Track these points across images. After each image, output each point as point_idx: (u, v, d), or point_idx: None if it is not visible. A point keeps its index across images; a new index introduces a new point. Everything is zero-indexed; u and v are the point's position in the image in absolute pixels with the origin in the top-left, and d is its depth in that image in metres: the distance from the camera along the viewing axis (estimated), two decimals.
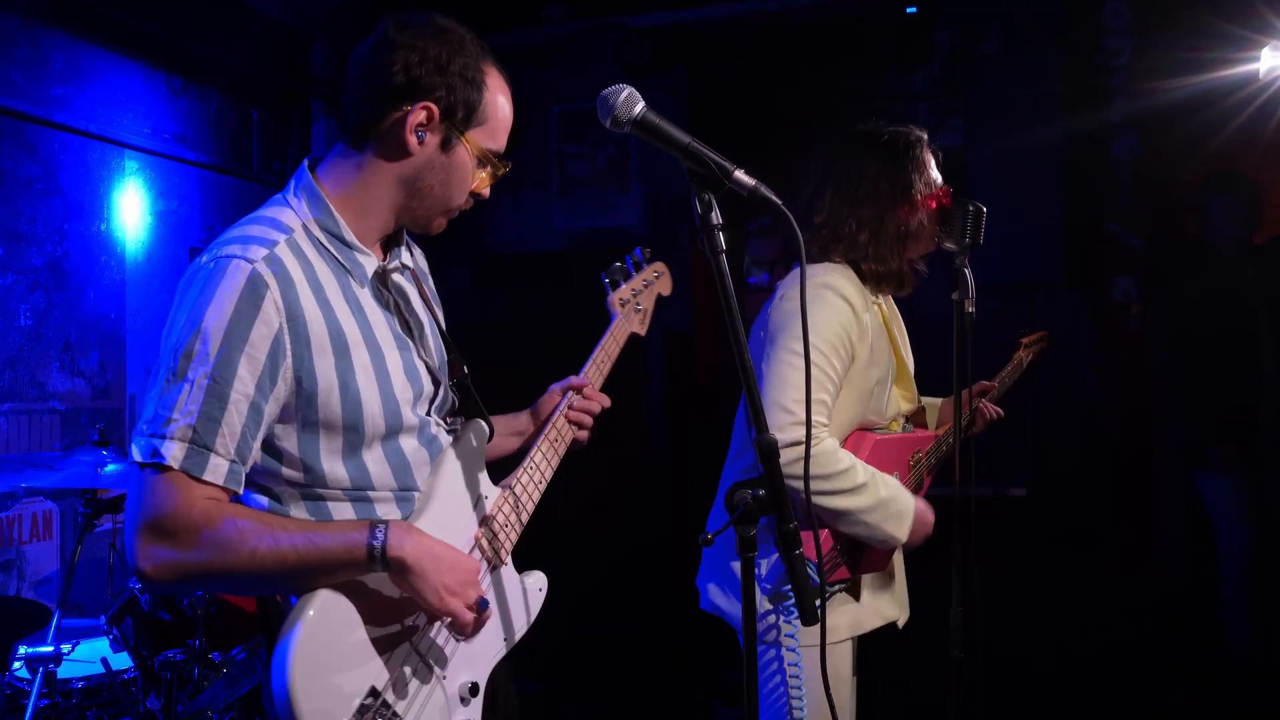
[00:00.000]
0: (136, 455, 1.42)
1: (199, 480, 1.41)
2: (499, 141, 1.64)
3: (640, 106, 1.39)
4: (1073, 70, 4.55)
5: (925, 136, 2.37)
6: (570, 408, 1.89)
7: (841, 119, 5.15)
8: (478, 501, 1.69)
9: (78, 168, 4.03)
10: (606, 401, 1.94)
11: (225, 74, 4.72)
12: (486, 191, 1.66)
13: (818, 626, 2.13)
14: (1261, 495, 4.08)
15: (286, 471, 1.52)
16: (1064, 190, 4.46)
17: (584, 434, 1.92)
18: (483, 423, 1.76)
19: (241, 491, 1.48)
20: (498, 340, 4.89)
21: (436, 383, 1.68)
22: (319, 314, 1.50)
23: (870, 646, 2.32)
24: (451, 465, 1.66)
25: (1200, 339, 4.13)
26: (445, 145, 1.58)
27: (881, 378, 2.29)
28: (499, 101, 1.62)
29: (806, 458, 1.52)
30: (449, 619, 1.55)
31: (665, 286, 2.25)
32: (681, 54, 5.18)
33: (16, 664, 2.79)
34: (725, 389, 5.23)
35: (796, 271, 2.25)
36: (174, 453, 1.40)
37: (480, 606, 1.56)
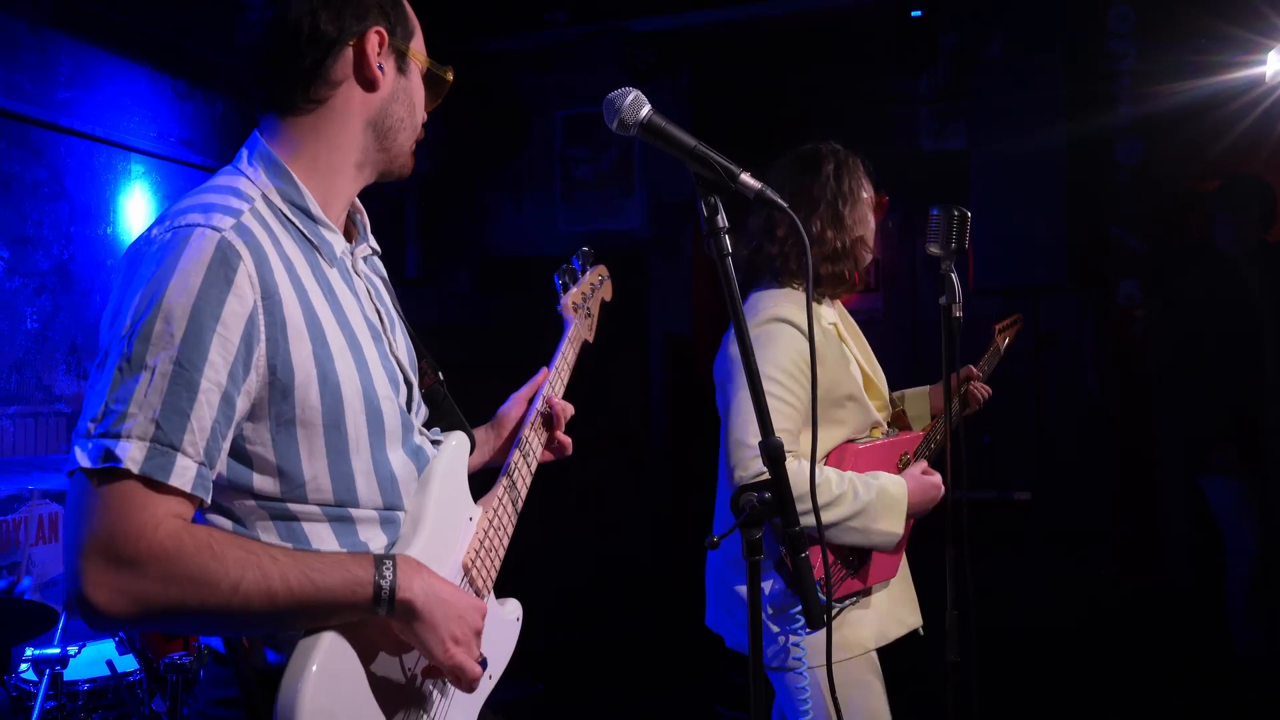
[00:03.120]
0: (83, 460, 1.14)
1: (163, 487, 1.16)
2: (425, 49, 1.49)
3: (646, 109, 1.38)
4: (1076, 74, 4.56)
5: (839, 147, 2.37)
6: (541, 415, 1.74)
7: (844, 122, 5.20)
8: (464, 525, 1.51)
9: (84, 171, 4.04)
10: (571, 410, 1.79)
11: (230, 77, 4.74)
12: (425, 115, 1.50)
13: (847, 641, 2.16)
14: (1266, 499, 4.07)
15: (259, 481, 1.28)
16: (1067, 194, 4.46)
17: (563, 443, 1.77)
18: (465, 435, 1.57)
19: (209, 501, 1.23)
20: (500, 343, 4.90)
21: (409, 384, 1.49)
22: (293, 293, 1.28)
23: (887, 654, 2.33)
24: (439, 484, 1.47)
25: (1203, 342, 4.13)
26: (401, 68, 1.42)
27: (853, 393, 2.29)
28: (412, 10, 1.48)
29: (813, 483, 1.53)
30: (452, 673, 1.34)
31: (608, 292, 2.13)
32: (685, 57, 5.19)
33: (23, 666, 2.80)
34: None
35: (749, 303, 2.25)
36: (132, 454, 1.14)
37: (482, 666, 1.37)
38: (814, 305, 2.27)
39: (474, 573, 1.49)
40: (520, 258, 5.60)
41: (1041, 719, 3.97)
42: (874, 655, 2.25)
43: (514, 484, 1.64)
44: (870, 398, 2.37)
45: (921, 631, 2.37)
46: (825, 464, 2.22)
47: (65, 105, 3.93)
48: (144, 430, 1.15)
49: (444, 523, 1.46)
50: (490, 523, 1.56)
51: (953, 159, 4.95)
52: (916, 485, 2.23)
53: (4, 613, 2.80)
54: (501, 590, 1.60)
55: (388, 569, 1.26)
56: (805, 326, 2.17)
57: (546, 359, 1.89)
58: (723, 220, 1.38)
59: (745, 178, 1.38)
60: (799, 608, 2.14)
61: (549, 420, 1.76)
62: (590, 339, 2.01)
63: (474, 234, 5.71)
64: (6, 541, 3.65)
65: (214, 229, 1.22)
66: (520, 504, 1.65)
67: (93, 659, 2.88)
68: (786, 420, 2.14)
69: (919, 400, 2.65)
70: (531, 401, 1.76)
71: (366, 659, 1.31)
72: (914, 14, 4.70)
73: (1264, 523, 4.04)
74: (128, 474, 1.14)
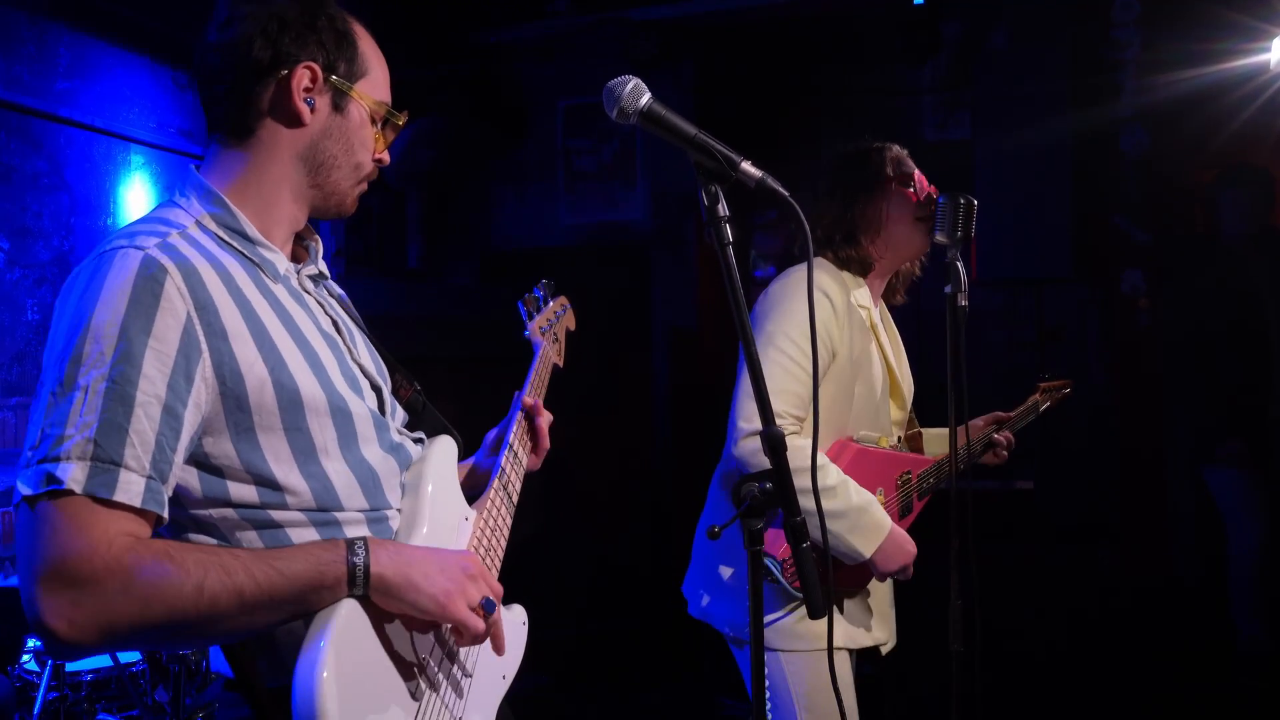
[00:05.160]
0: (24, 489, 1.13)
1: (109, 504, 1.13)
2: (387, 94, 1.48)
3: (646, 98, 1.38)
4: (1081, 64, 4.53)
5: (892, 145, 2.44)
6: (522, 422, 1.74)
7: (848, 112, 5.18)
8: (460, 525, 1.50)
9: (84, 162, 4.03)
10: (550, 417, 1.80)
11: None
12: (387, 156, 1.49)
13: (812, 632, 2.18)
14: (1271, 490, 4.06)
15: (235, 490, 1.26)
16: (1072, 184, 4.44)
17: (536, 460, 1.78)
18: (451, 439, 1.56)
19: (166, 516, 1.20)
20: (503, 336, 4.91)
21: (378, 388, 1.47)
22: (231, 303, 1.26)
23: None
24: (432, 485, 1.46)
25: (1209, 333, 4.12)
26: (337, 106, 1.41)
27: (867, 379, 2.30)
28: (374, 53, 1.47)
29: (814, 461, 1.52)
30: (457, 629, 1.33)
31: (571, 321, 2.17)
32: (687, 48, 5.16)
33: (26, 656, 2.81)
34: (730, 385, 5.23)
35: (788, 269, 2.29)
36: (74, 474, 1.11)
37: (486, 609, 1.34)
38: (846, 284, 2.33)
39: None
40: (523, 250, 5.58)
41: (1044, 709, 3.97)
42: (845, 656, 2.26)
43: (506, 487, 1.64)
44: (892, 398, 2.38)
45: (884, 650, 2.35)
46: (824, 450, 2.22)
47: (65, 96, 3.92)
48: (83, 450, 1.13)
49: (440, 523, 1.45)
50: (486, 524, 1.55)
51: (956, 149, 4.93)
52: (899, 533, 2.22)
53: (7, 603, 2.80)
54: (507, 584, 1.59)
55: (359, 547, 1.25)
56: (834, 296, 2.26)
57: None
58: (724, 209, 1.37)
59: (746, 166, 1.37)
60: (776, 587, 2.18)
61: (535, 431, 1.76)
62: (560, 364, 2.03)
63: (476, 226, 5.70)
64: (9, 533, 3.65)
65: (137, 248, 1.22)
66: (514, 508, 1.65)
67: None
68: (799, 384, 2.15)
69: (933, 441, 2.59)
70: (512, 410, 1.76)
71: (377, 659, 1.29)
72: (916, 2, 4.68)
73: (1268, 514, 4.04)
74: (71, 494, 1.11)
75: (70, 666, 2.74)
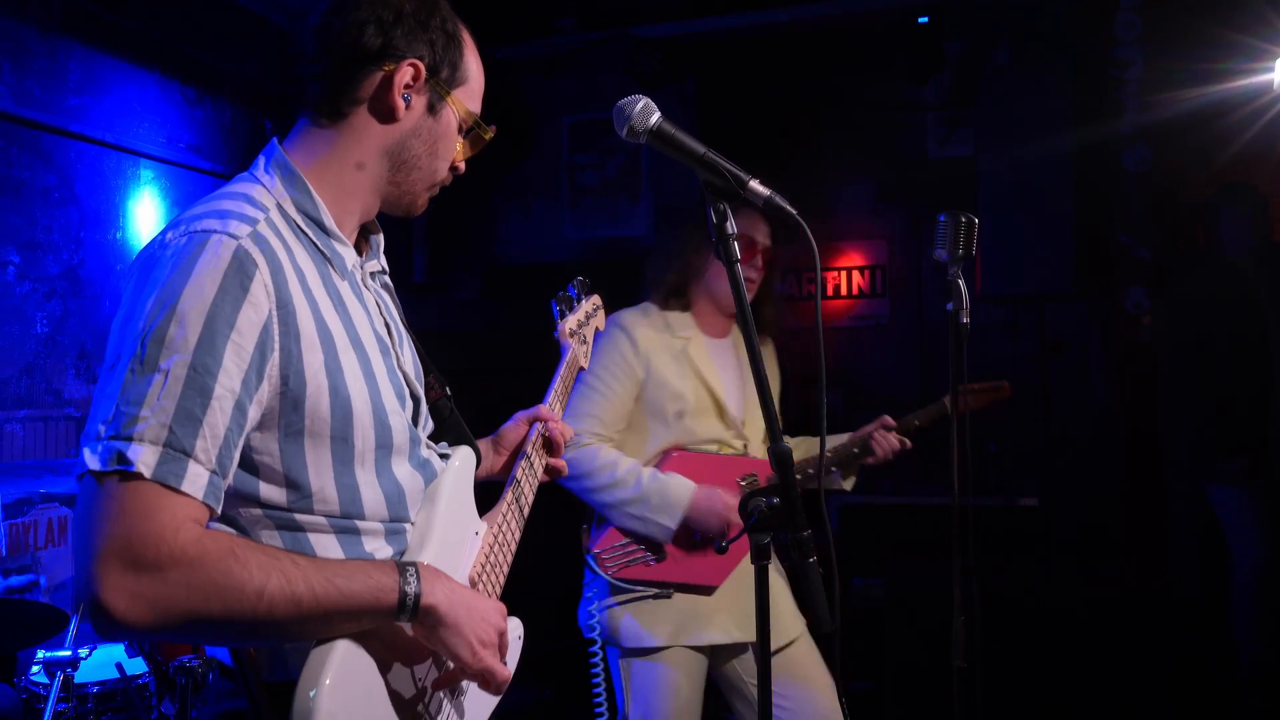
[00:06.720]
0: (92, 462, 1.11)
1: (175, 492, 1.13)
2: (478, 105, 1.49)
3: (656, 117, 1.40)
4: (1084, 81, 4.56)
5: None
6: (542, 438, 1.74)
7: (851, 128, 5.20)
8: (469, 540, 1.52)
9: (94, 177, 4.06)
10: (570, 433, 1.81)
11: (239, 84, 4.76)
12: (463, 165, 1.50)
13: (643, 632, 2.33)
14: (1273, 506, 4.06)
15: (265, 491, 1.26)
16: (1075, 201, 4.46)
17: (557, 467, 1.78)
18: (471, 451, 1.58)
19: (220, 512, 1.20)
20: (507, 349, 4.92)
21: (417, 398, 1.49)
22: (306, 304, 1.27)
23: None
24: (447, 498, 1.47)
25: (1210, 347, 4.12)
26: (432, 108, 1.41)
27: (677, 398, 2.47)
28: (476, 62, 1.49)
29: (825, 463, 1.54)
30: (480, 677, 1.35)
31: (601, 321, 2.19)
32: (691, 64, 5.20)
33: (34, 668, 2.82)
34: None
35: (613, 315, 2.53)
36: (144, 457, 1.11)
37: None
38: (668, 320, 2.55)
39: (480, 587, 1.49)
40: (527, 264, 5.61)
41: None
42: (686, 654, 2.37)
43: (518, 499, 1.65)
44: (717, 415, 2.52)
45: (741, 642, 2.43)
46: (654, 464, 2.45)
47: (75, 111, 3.95)
48: (156, 434, 1.12)
49: (451, 538, 1.47)
50: (495, 538, 1.57)
51: (959, 166, 4.95)
52: (704, 496, 2.36)
53: (16, 615, 2.81)
54: (511, 595, 1.60)
55: (411, 575, 1.26)
56: (637, 332, 2.52)
57: (552, 365, 1.92)
58: (732, 227, 1.40)
59: (754, 184, 1.40)
60: (600, 579, 2.38)
61: (550, 443, 1.77)
62: (585, 366, 2.05)
63: (481, 240, 5.73)
64: (17, 544, 3.66)
65: (231, 236, 1.21)
66: (524, 519, 1.66)
67: (102, 662, 2.89)
68: (596, 408, 2.44)
69: (808, 447, 2.67)
70: (533, 423, 1.77)
71: (379, 670, 1.31)
72: (920, 20, 4.71)
73: (1271, 531, 4.03)
74: (140, 477, 1.11)
75: (78, 679, 2.74)
